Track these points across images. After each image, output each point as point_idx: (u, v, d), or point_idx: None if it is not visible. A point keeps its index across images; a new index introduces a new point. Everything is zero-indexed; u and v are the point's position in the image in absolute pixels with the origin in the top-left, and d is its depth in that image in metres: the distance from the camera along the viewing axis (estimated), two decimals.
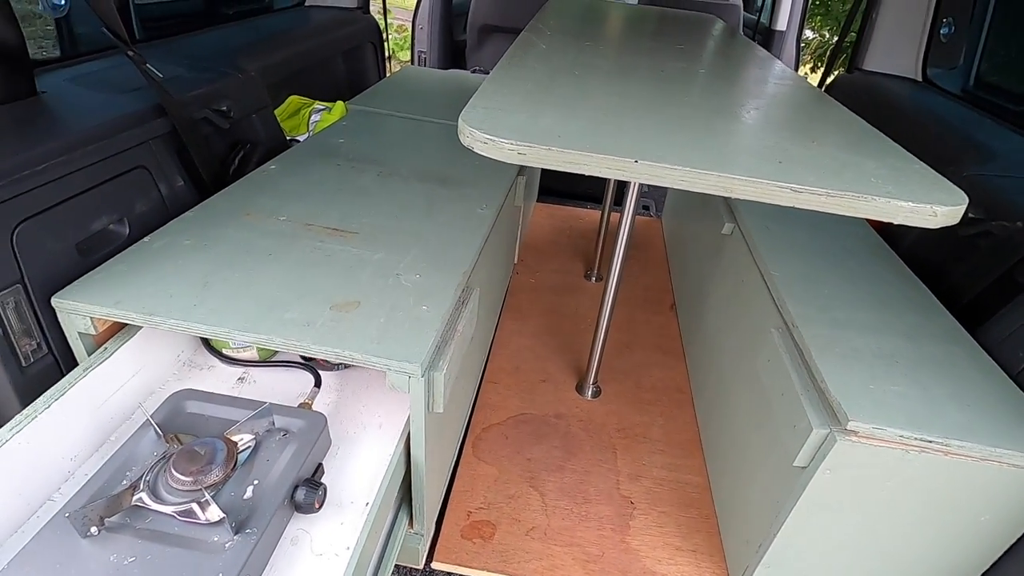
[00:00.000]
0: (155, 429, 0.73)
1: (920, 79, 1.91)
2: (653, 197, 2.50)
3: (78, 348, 0.84)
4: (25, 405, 0.74)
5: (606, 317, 1.32)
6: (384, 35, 2.29)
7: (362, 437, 0.87)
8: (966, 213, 0.60)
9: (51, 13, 1.08)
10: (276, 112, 1.69)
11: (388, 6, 2.39)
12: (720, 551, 1.09)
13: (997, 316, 0.96)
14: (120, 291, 0.82)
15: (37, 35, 1.17)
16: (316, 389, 0.92)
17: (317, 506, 0.72)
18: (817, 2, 5.44)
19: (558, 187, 2.37)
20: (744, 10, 2.69)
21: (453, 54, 2.85)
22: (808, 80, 1.23)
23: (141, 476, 0.67)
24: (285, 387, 0.95)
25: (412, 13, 2.72)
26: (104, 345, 0.84)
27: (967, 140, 1.39)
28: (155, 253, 0.91)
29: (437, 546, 1.05)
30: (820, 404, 0.81)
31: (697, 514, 1.16)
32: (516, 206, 1.51)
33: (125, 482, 0.68)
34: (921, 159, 0.72)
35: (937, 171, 0.67)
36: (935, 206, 0.57)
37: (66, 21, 1.19)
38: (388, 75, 2.30)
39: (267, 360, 1.00)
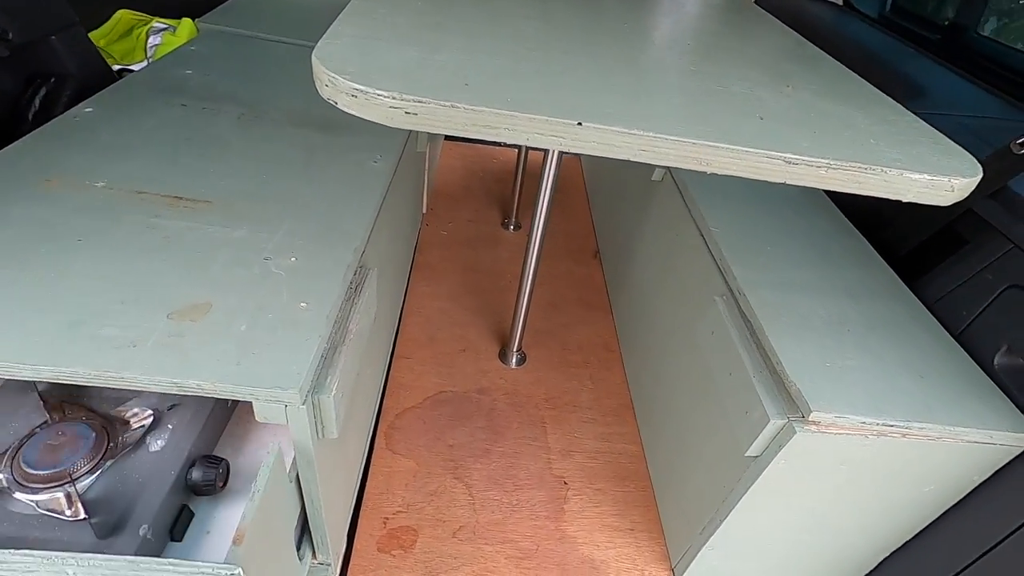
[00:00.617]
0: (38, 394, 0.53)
1: (841, 1, 1.83)
2: None
3: None
4: None
5: (530, 275, 1.17)
6: None
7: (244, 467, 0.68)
8: None
9: None
10: (99, 33, 1.31)
11: None
12: (659, 527, 1.04)
13: (936, 271, 0.91)
14: None
15: None
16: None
17: (220, 485, 0.60)
18: None
19: None
20: None
21: None
22: None
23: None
24: None
25: None
26: None
27: (895, 74, 1.33)
28: None
29: (350, 566, 0.90)
30: (776, 391, 0.72)
31: (634, 487, 1.10)
32: (419, 152, 1.29)
33: None
34: None
35: None
36: (952, 179, 0.46)
37: None
38: None
39: None
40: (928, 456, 0.71)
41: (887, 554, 0.87)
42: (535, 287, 1.21)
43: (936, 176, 0.45)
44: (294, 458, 0.64)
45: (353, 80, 0.39)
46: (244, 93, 1.07)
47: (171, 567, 0.46)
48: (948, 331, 0.84)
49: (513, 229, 1.76)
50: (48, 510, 0.53)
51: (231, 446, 0.68)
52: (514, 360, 1.31)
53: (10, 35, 0.85)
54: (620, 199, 1.56)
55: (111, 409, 0.64)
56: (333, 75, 0.39)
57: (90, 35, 1.24)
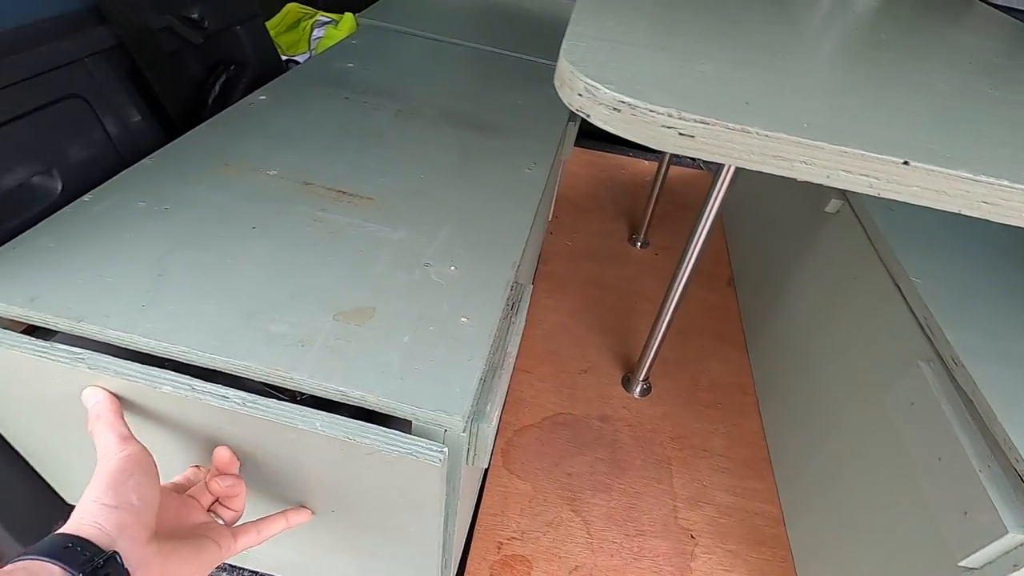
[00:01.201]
0: None
1: None
2: None
3: None
4: None
5: (673, 302, 1.08)
6: None
7: None
8: None
9: None
10: (269, 24, 1.38)
11: None
12: None
13: None
14: (40, 279, 0.58)
15: None
16: None
17: None
18: None
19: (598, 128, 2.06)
20: None
21: None
22: None
23: None
24: None
25: None
26: None
27: None
28: (95, 220, 0.66)
29: None
30: (1014, 494, 0.58)
31: (771, 556, 0.97)
32: (562, 160, 1.23)
33: None
34: None
35: None
36: None
37: None
38: None
39: None
40: None
41: None
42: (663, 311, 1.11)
43: None
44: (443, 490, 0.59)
45: (619, 91, 0.32)
46: (400, 88, 1.07)
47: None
48: None
49: (641, 246, 1.66)
50: None
51: None
52: (638, 390, 1.22)
53: (205, 23, 0.89)
54: (772, 227, 1.41)
55: None
56: (593, 83, 0.33)
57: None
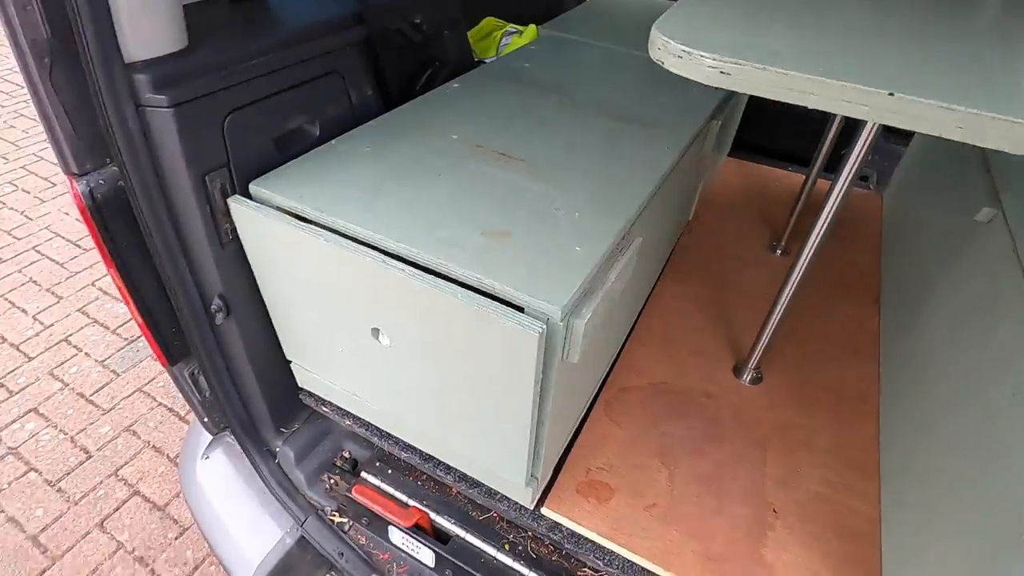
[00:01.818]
0: None
1: None
2: (877, 166, 2.07)
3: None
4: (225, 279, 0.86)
5: (787, 295, 1.13)
6: None
7: None
8: None
9: None
10: (470, 33, 1.68)
11: None
12: None
13: None
14: (303, 187, 0.87)
15: None
16: None
17: None
18: None
19: (757, 141, 2.07)
20: None
21: None
22: None
23: None
24: None
25: None
26: None
27: None
28: (339, 156, 0.96)
29: (550, 494, 1.02)
30: None
31: (857, 549, 0.97)
32: (702, 156, 1.33)
33: None
34: None
35: None
36: None
37: None
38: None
39: None
40: None
41: None
42: (794, 314, 1.15)
43: None
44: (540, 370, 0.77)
45: (681, 43, 0.47)
46: (566, 84, 1.27)
47: None
48: None
49: (780, 254, 1.66)
50: None
51: None
52: (748, 377, 1.27)
53: (424, 27, 1.18)
54: (922, 239, 1.35)
55: None
56: (666, 39, 0.48)
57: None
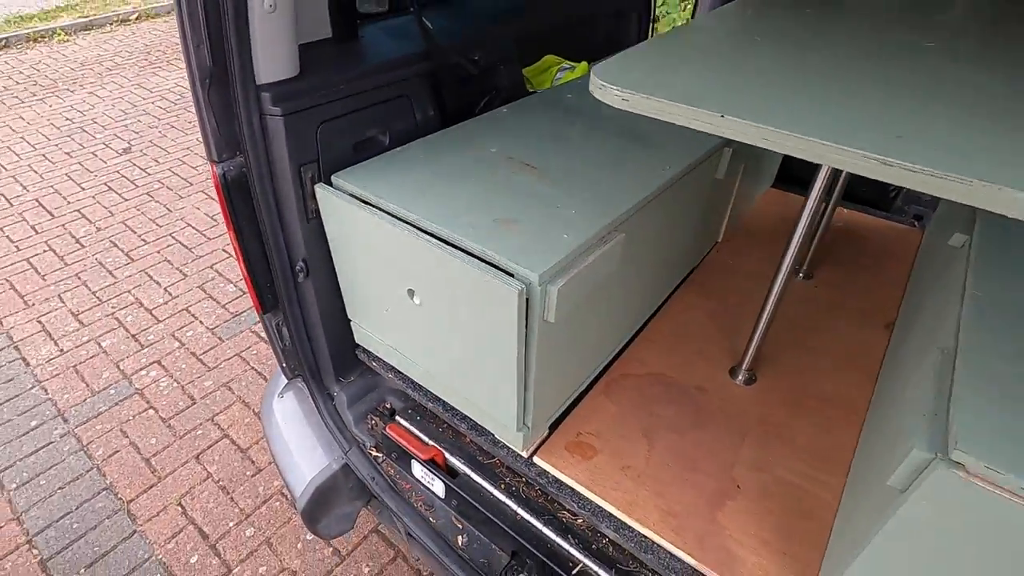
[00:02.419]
0: None
1: None
2: (932, 206, 2.10)
3: None
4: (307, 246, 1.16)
5: (774, 297, 1.27)
6: (652, 3, 2.36)
7: None
8: None
9: None
10: (531, 68, 1.95)
11: None
12: (817, 568, 1.02)
13: None
14: (371, 181, 1.16)
15: None
16: None
17: None
18: None
19: (798, 174, 2.17)
20: None
21: None
22: None
23: None
24: None
25: None
26: None
27: None
28: (399, 160, 1.24)
29: (542, 447, 1.22)
30: (934, 423, 0.72)
31: (808, 527, 1.09)
32: (716, 178, 1.50)
33: None
34: None
35: None
36: None
37: None
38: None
39: None
40: None
41: None
42: (806, 332, 1.28)
43: None
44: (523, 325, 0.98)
45: (602, 80, 0.70)
46: (597, 111, 1.49)
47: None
48: None
49: (803, 277, 1.76)
50: None
51: None
52: (742, 378, 1.40)
53: (480, 62, 1.46)
54: (925, 267, 1.43)
55: None
56: (595, 76, 0.71)
57: (524, 70, 1.88)
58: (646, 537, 1.08)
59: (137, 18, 7.20)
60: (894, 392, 1.08)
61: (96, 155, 4.18)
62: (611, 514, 1.11)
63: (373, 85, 1.25)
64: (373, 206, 1.11)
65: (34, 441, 2.22)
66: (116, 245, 3.29)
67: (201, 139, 1.14)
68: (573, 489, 1.16)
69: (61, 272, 3.08)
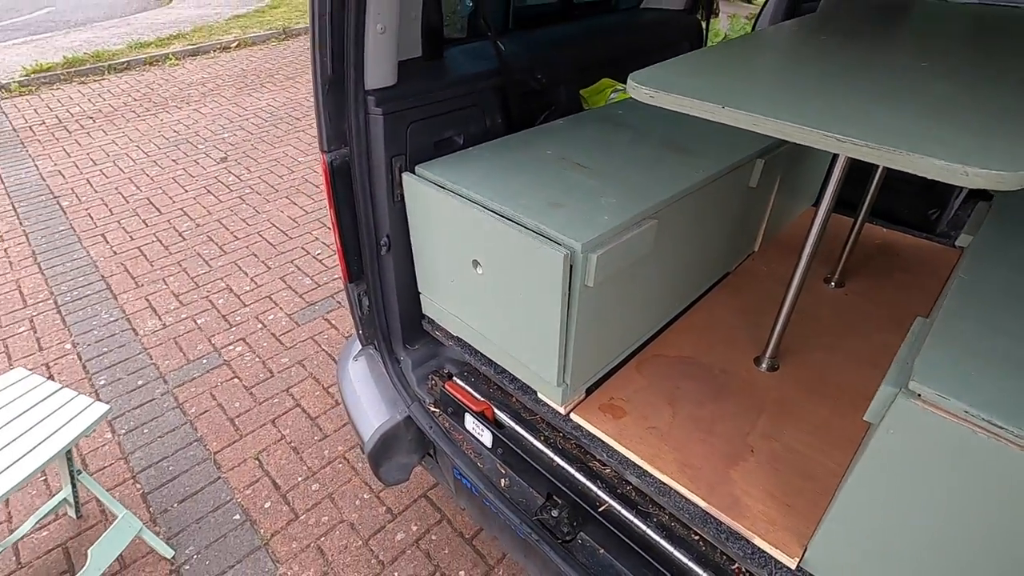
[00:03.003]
0: None
1: None
2: (974, 232, 2.17)
3: None
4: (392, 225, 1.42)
5: (793, 291, 1.41)
6: (704, 35, 2.56)
7: None
8: None
9: (462, 12, 1.77)
10: (589, 89, 2.19)
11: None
12: (817, 520, 1.15)
13: None
14: (447, 171, 1.41)
15: (454, 23, 1.90)
16: None
17: None
18: None
19: (846, 195, 2.29)
20: None
21: None
22: None
23: None
24: None
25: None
26: None
27: None
28: (471, 157, 1.48)
29: (578, 407, 1.40)
30: (903, 369, 0.86)
31: (812, 487, 1.21)
32: (750, 187, 1.67)
33: None
34: None
35: None
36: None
37: (472, 16, 1.89)
38: None
39: None
40: None
41: None
42: (836, 337, 1.41)
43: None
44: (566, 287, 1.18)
45: (635, 82, 0.91)
46: (642, 126, 1.70)
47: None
48: None
49: (834, 286, 1.88)
50: None
51: None
52: (765, 365, 1.53)
53: (543, 81, 1.71)
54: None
55: None
56: (633, 83, 0.92)
57: (582, 91, 2.12)
58: (664, 483, 1.24)
59: (237, 46, 8.02)
60: None
61: (198, 163, 4.73)
62: (635, 463, 1.28)
63: (452, 95, 1.51)
64: (448, 190, 1.35)
65: (140, 396, 2.58)
66: (212, 239, 3.72)
67: (317, 133, 1.42)
68: (603, 442, 1.33)
69: (166, 259, 3.53)
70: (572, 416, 1.39)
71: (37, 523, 1.94)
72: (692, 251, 1.61)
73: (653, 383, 1.48)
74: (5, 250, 3.58)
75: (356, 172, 1.41)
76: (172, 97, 6.17)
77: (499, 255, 1.27)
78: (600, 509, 1.29)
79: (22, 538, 1.97)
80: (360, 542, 2.01)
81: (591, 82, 2.23)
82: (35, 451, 1.60)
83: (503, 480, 1.44)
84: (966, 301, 0.98)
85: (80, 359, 2.78)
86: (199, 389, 2.62)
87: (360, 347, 1.82)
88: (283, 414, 2.50)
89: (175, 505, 2.13)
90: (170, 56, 7.40)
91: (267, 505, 2.13)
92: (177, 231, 3.81)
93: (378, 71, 1.33)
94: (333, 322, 3.01)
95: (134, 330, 2.97)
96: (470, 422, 1.53)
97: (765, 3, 3.06)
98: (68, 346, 2.86)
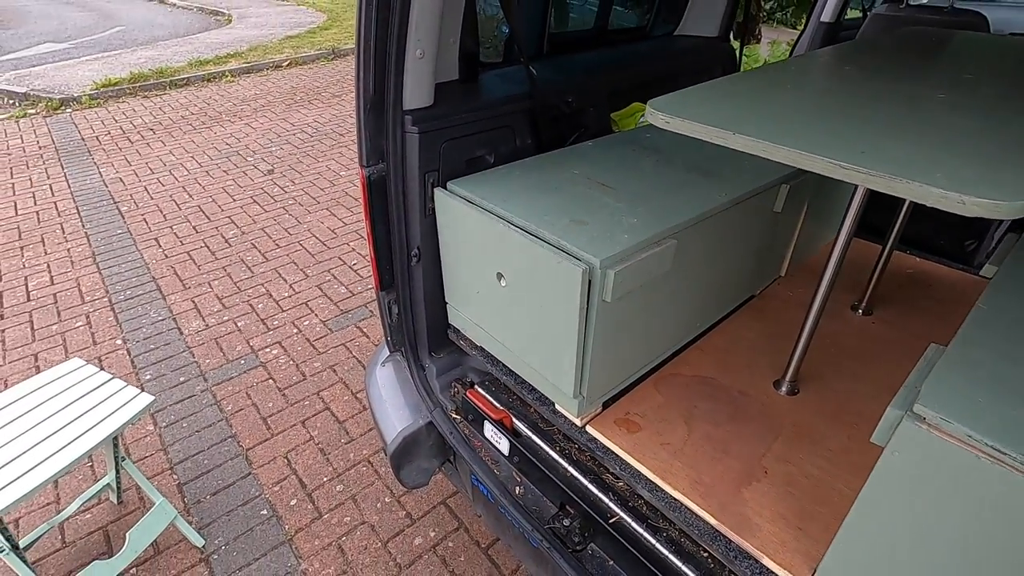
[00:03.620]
0: None
1: None
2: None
3: None
4: (422, 237, 1.49)
5: (813, 315, 1.42)
6: (739, 62, 2.59)
7: None
8: None
9: (499, 37, 1.86)
10: (620, 112, 2.25)
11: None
12: (827, 545, 1.14)
13: None
14: (477, 188, 1.48)
15: (492, 48, 1.99)
16: None
17: None
18: None
19: (878, 222, 2.27)
20: None
21: None
22: None
23: None
24: None
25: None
26: None
27: None
28: (500, 175, 1.55)
29: (594, 420, 1.44)
30: (910, 392, 0.87)
31: (824, 512, 1.21)
32: (775, 212, 1.68)
33: None
34: None
35: None
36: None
37: (507, 42, 1.98)
38: None
39: None
40: None
41: None
42: (862, 364, 1.42)
43: None
44: (584, 301, 1.23)
45: (653, 108, 0.96)
46: (667, 149, 1.74)
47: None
48: None
49: (863, 314, 1.87)
50: None
51: None
52: (785, 389, 1.54)
53: (573, 103, 1.77)
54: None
55: None
56: (652, 110, 0.98)
57: (613, 114, 2.18)
58: (675, 499, 1.26)
59: (288, 64, 8.43)
60: None
61: (246, 174, 4.97)
62: (647, 478, 1.30)
63: (485, 116, 1.59)
64: (478, 206, 1.42)
65: (181, 392, 2.72)
66: (255, 247, 3.91)
67: (357, 149, 1.52)
68: (617, 455, 1.36)
69: (212, 264, 3.71)
70: (588, 428, 1.42)
71: (82, 505, 2.06)
72: (714, 272, 1.64)
73: (670, 400, 1.50)
74: (68, 250, 3.84)
75: (391, 186, 1.50)
76: (226, 112, 6.51)
77: (523, 269, 1.33)
78: (611, 521, 1.31)
79: (67, 519, 2.10)
80: (379, 544, 2.06)
81: (622, 106, 2.29)
82: (85, 435, 1.72)
83: (518, 488, 1.48)
84: (982, 330, 0.98)
85: (129, 354, 2.95)
86: (236, 388, 2.75)
87: (388, 353, 1.89)
88: (313, 416, 2.60)
89: (208, 497, 2.23)
90: (226, 73, 7.83)
91: (293, 503, 2.21)
92: (224, 238, 4.01)
93: (416, 92, 1.42)
94: (365, 330, 3.12)
95: (179, 329, 3.14)
96: (489, 430, 1.57)
97: (803, 30, 3.09)
98: (119, 342, 3.04)
